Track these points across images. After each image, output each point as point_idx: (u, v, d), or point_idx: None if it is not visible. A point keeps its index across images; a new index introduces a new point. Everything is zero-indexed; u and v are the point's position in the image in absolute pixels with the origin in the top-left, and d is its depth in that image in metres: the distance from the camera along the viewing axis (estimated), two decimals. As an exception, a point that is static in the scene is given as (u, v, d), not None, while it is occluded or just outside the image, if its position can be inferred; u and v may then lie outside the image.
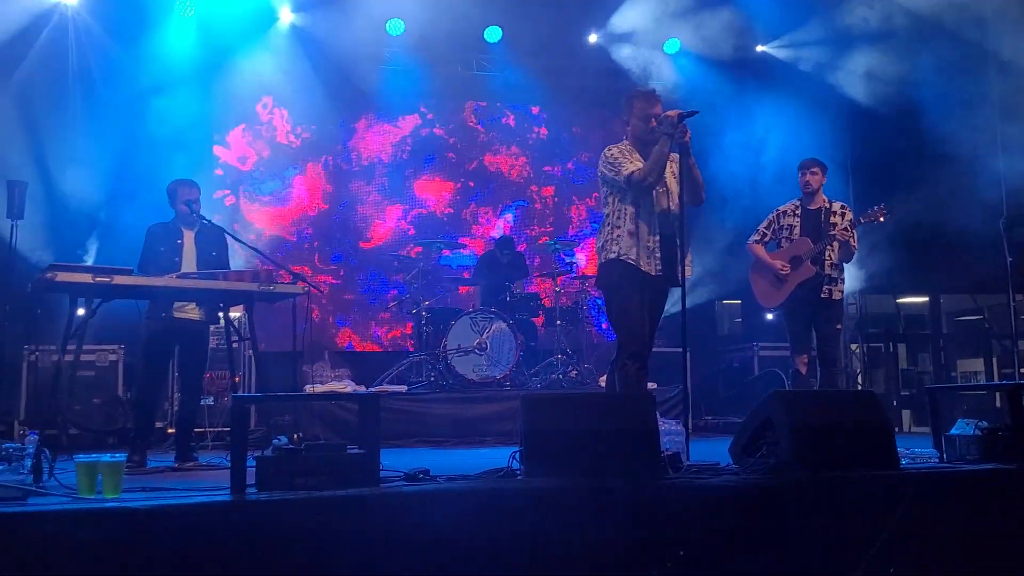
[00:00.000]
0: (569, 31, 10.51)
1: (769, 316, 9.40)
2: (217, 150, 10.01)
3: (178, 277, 5.47)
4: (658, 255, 5.14)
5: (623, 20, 10.28)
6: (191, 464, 5.68)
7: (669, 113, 5.04)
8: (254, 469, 3.60)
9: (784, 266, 6.42)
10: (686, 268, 5.26)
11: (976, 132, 8.90)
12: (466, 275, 10.21)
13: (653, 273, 5.12)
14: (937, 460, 4.76)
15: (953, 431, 4.83)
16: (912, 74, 9.06)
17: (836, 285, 6.38)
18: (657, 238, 5.16)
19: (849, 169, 10.25)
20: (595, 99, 10.99)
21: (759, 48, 10.61)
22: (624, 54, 10.52)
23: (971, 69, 8.94)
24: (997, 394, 8.80)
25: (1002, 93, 9.12)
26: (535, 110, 11.25)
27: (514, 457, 4.06)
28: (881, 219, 6.39)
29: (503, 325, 8.44)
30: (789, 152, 8.53)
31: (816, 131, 9.38)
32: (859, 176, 10.20)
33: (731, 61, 10.32)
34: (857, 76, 9.61)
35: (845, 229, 6.30)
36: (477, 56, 10.63)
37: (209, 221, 6.01)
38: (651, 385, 7.89)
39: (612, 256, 5.19)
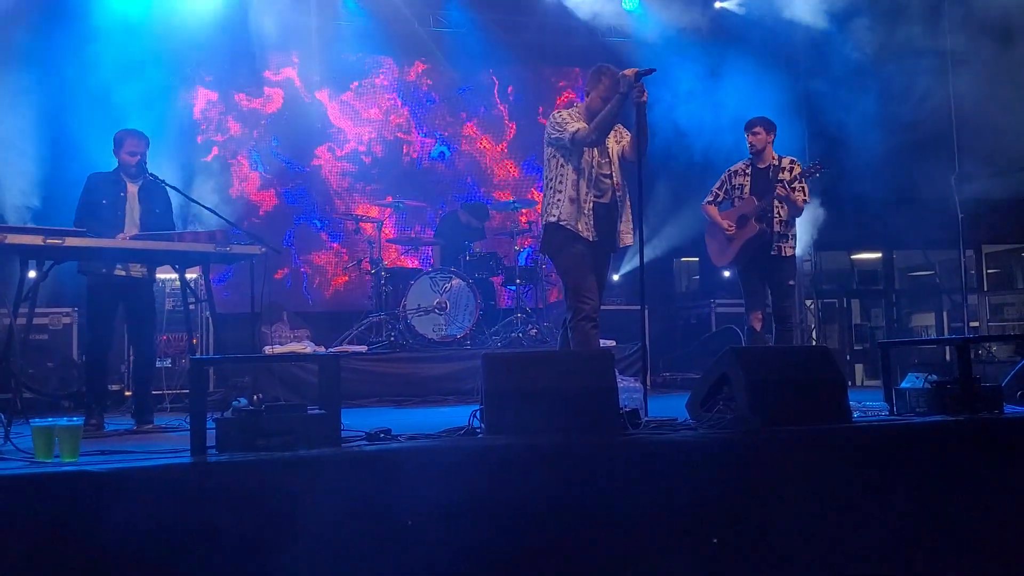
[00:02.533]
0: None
1: (726, 273, 9.49)
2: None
3: (133, 238, 5.39)
4: (592, 221, 5.21)
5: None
6: (150, 427, 5.62)
7: (626, 72, 5.04)
8: (214, 431, 3.59)
9: (730, 226, 6.48)
10: (627, 235, 5.33)
11: (928, 89, 9.00)
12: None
13: (590, 239, 5.20)
14: (888, 413, 4.86)
15: (903, 384, 4.95)
16: (867, 29, 9.11)
17: (787, 242, 6.44)
18: (592, 204, 5.23)
19: (805, 126, 10.32)
20: (552, 56, 10.93)
21: (717, 4, 10.60)
22: (582, 10, 10.45)
23: (924, 23, 9.00)
24: (947, 347, 9.00)
25: (955, 49, 9.20)
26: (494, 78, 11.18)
27: (475, 415, 4.09)
28: (816, 175, 6.46)
29: (462, 284, 8.45)
30: (747, 109, 8.58)
31: (773, 88, 9.42)
32: (815, 133, 10.26)
33: (689, 17, 10.30)
34: (811, 31, 9.63)
35: (783, 186, 6.34)
36: (434, 12, 10.51)
37: (155, 177, 5.81)
38: (609, 343, 7.99)
39: (552, 220, 5.28)
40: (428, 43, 10.62)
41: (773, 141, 6.57)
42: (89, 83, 8.57)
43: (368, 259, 8.80)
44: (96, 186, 5.78)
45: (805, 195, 6.45)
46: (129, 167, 5.77)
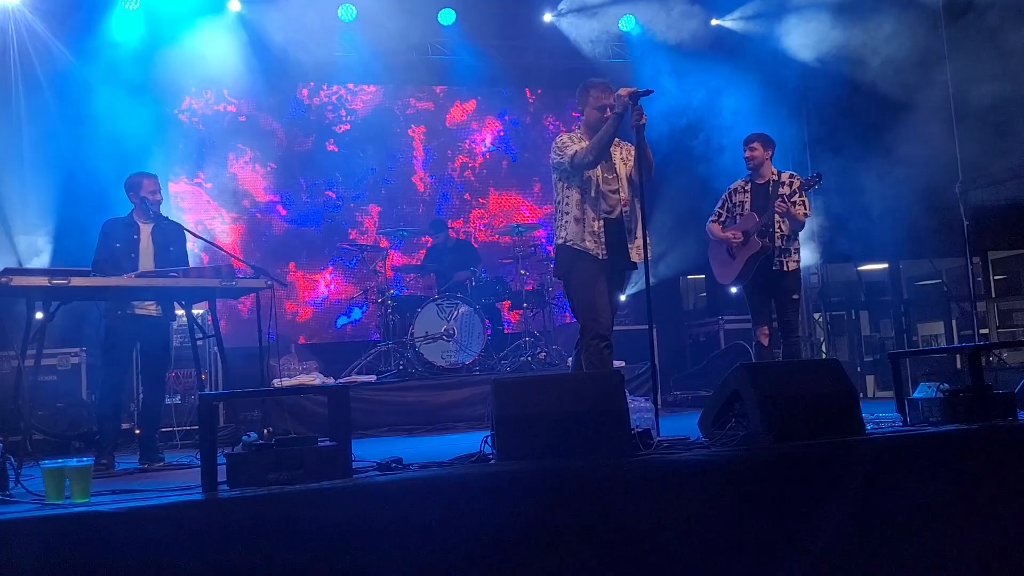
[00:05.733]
0: (523, 11, 10.46)
1: (733, 290, 9.47)
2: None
3: (137, 276, 5.39)
4: (602, 239, 5.18)
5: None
6: (160, 464, 5.61)
7: (622, 91, 5.02)
8: (225, 466, 3.58)
9: (736, 235, 6.46)
10: (640, 252, 5.28)
11: (929, 97, 8.99)
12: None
13: (600, 257, 5.16)
14: (901, 424, 4.83)
15: (916, 394, 4.91)
16: (864, 40, 9.10)
17: (789, 256, 6.40)
18: (601, 222, 5.19)
19: (806, 140, 10.32)
20: (550, 80, 10.97)
21: (714, 22, 10.61)
22: (579, 32, 10.49)
23: (923, 30, 8.99)
24: (957, 356, 8.95)
25: (954, 57, 9.19)
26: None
27: (486, 442, 4.07)
28: (816, 186, 6.43)
29: (470, 310, 8.43)
30: (750, 125, 8.59)
31: (774, 102, 9.44)
32: (815, 145, 10.25)
33: (687, 36, 10.32)
34: (810, 44, 9.62)
35: (783, 201, 6.32)
36: (432, 40, 10.55)
37: (166, 217, 5.91)
38: (619, 363, 7.94)
39: (560, 242, 5.27)
40: (426, 70, 10.67)
41: (772, 156, 6.55)
42: (100, 120, 8.63)
43: (375, 288, 8.80)
44: (111, 231, 5.82)
45: (806, 208, 6.43)
46: (151, 206, 5.81)
